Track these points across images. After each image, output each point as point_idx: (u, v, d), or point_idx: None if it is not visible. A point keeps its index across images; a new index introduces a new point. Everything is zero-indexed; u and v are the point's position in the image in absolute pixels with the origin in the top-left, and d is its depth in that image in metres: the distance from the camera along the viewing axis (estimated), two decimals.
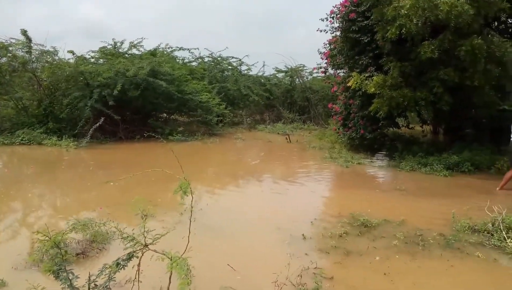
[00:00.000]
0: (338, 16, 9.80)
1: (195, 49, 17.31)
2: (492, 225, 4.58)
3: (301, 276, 3.43)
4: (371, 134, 9.99)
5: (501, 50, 7.13)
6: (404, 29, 7.26)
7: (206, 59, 18.10)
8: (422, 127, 11.94)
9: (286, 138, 12.91)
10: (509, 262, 3.86)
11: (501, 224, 4.50)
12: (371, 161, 9.47)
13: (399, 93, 8.23)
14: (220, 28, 45.51)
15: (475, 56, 7.02)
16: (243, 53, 27.81)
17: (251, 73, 18.67)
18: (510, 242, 4.19)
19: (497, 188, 6.84)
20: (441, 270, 3.68)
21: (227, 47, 20.48)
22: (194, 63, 17.81)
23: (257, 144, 13.01)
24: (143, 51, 14.59)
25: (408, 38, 7.72)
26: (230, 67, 18.18)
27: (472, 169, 8.21)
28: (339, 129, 11.68)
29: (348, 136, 10.74)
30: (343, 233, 4.58)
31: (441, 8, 6.66)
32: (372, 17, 8.13)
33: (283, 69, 19.27)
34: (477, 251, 4.07)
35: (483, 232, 4.54)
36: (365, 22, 8.86)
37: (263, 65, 19.15)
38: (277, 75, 19.58)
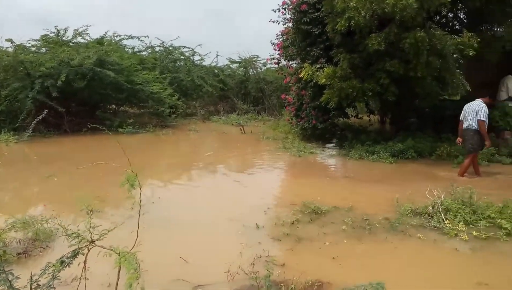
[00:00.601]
0: (290, 7, 9.90)
1: (145, 37, 16.75)
2: (432, 208, 4.87)
3: (253, 265, 3.46)
4: (323, 124, 10.26)
5: (441, 43, 7.51)
6: (353, 21, 7.45)
7: (157, 49, 17.59)
8: (369, 117, 12.42)
9: (241, 129, 12.92)
10: (446, 242, 4.13)
11: (440, 207, 4.80)
12: (323, 150, 9.74)
13: (348, 84, 8.48)
14: (171, 16, 44.43)
15: (418, 49, 7.36)
16: (195, 43, 27.38)
17: (204, 63, 18.42)
18: (448, 223, 4.49)
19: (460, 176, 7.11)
20: (386, 252, 3.88)
21: (178, 36, 20.00)
22: (144, 53, 17.24)
23: (211, 135, 12.93)
24: (89, 39, 13.87)
25: (357, 31, 7.93)
26: (182, 57, 17.79)
27: (415, 156, 8.68)
28: (292, 119, 11.88)
29: (300, 126, 10.96)
30: (295, 220, 4.68)
31: (387, 1, 6.89)
32: (322, 9, 8.27)
33: (237, 60, 19.21)
34: (418, 233, 4.32)
35: (424, 215, 4.82)
36: (316, 14, 9.01)
37: (217, 56, 18.93)
38: (231, 65, 19.47)
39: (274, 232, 4.40)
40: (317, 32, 9.21)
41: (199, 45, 19.62)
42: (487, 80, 11.48)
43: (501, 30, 8.75)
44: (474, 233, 4.24)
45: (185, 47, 17.87)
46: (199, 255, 3.81)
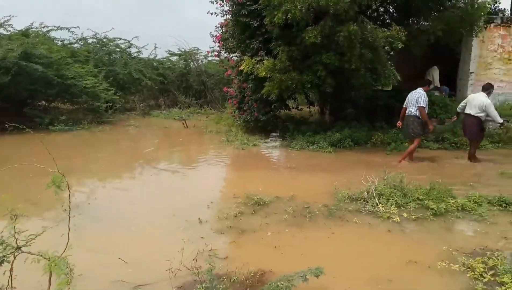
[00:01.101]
0: None
1: (75, 28, 15.73)
2: (367, 193, 5.14)
3: (196, 260, 3.41)
4: (265, 116, 10.36)
5: (373, 36, 7.87)
6: (290, 14, 7.55)
7: (90, 41, 16.59)
8: (309, 108, 12.76)
9: (183, 123, 12.67)
10: (380, 224, 4.38)
11: (374, 191, 5.08)
12: (266, 142, 9.85)
13: (287, 76, 8.63)
14: (105, 6, 42.23)
15: (351, 41, 7.65)
16: (132, 35, 26.25)
17: (142, 56, 17.73)
18: (381, 206, 4.76)
19: (399, 161, 7.54)
20: (324, 238, 4.02)
21: (113, 28, 18.90)
22: (76, 45, 16.21)
23: (151, 130, 12.53)
24: (12, 31, 12.76)
25: (294, 24, 8.06)
26: (118, 49, 16.94)
27: (352, 145, 9.09)
28: (235, 112, 11.86)
29: (243, 119, 10.97)
30: (238, 213, 4.70)
31: None
32: (260, 1, 8.30)
33: (177, 52, 18.72)
34: (355, 217, 4.54)
35: (360, 200, 5.07)
36: (254, 6, 9.00)
37: (155, 48, 18.22)
38: (170, 58, 18.90)
39: (217, 225, 4.38)
40: (256, 25, 9.22)
41: (136, 37, 18.86)
42: (415, 71, 12.34)
43: (426, 23, 9.34)
44: (405, 214, 4.54)
45: (120, 38, 17.07)
46: (139, 254, 3.69)
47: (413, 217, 4.49)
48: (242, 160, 8.31)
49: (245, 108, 10.78)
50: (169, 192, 5.98)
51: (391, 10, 10.70)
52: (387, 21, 10.16)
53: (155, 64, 17.81)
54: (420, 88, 7.53)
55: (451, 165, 7.60)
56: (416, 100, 7.35)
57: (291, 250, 3.75)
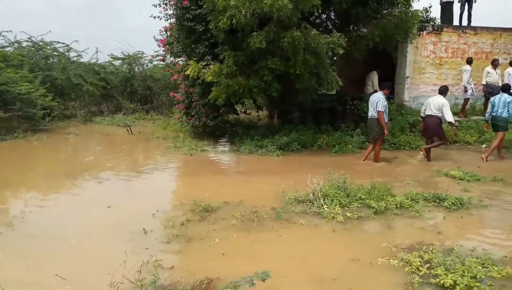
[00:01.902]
0: (172, 3, 9.64)
1: (7, 32, 14.66)
2: (313, 195, 5.26)
3: (140, 272, 3.29)
4: (213, 121, 10.29)
5: (315, 42, 8.11)
6: (235, 19, 7.58)
7: (24, 44, 15.54)
8: (257, 113, 12.87)
9: (127, 130, 12.24)
10: (325, 225, 4.50)
11: (319, 193, 5.22)
12: (214, 148, 9.78)
13: (234, 81, 8.64)
14: (41, 8, 39.86)
15: (295, 47, 7.83)
16: (71, 38, 24.99)
17: (82, 60, 16.88)
18: (326, 207, 4.90)
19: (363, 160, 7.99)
20: (272, 241, 4.06)
21: (50, 31, 17.84)
22: (9, 49, 15.12)
23: (93, 138, 11.95)
24: None
25: (239, 29, 8.11)
26: (55, 53, 16.02)
27: (299, 148, 9.28)
28: (182, 117, 11.67)
29: (191, 124, 10.83)
30: (185, 221, 4.61)
31: (265, 1, 7.19)
32: (204, 6, 8.25)
33: (120, 56, 18.05)
34: (301, 219, 4.63)
35: (306, 202, 5.18)
36: (199, 10, 8.93)
37: (96, 52, 17.41)
38: (113, 62, 18.17)
39: (163, 235, 4.27)
40: (201, 29, 9.15)
41: (75, 41, 17.90)
42: (357, 76, 12.88)
43: (365, 30, 9.78)
44: (348, 214, 4.70)
45: (58, 42, 16.16)
46: (78, 270, 3.50)
47: (356, 216, 4.67)
48: (190, 166, 8.17)
49: (192, 113, 10.64)
50: (112, 202, 5.69)
51: (333, 17, 11.11)
52: (330, 27, 10.53)
53: (96, 68, 17.01)
54: (379, 92, 7.90)
55: (392, 164, 8.00)
56: (375, 104, 7.71)
57: (238, 255, 3.74)
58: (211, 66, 8.66)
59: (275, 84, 8.79)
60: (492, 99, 8.31)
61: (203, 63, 8.99)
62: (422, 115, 8.38)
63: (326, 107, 11.52)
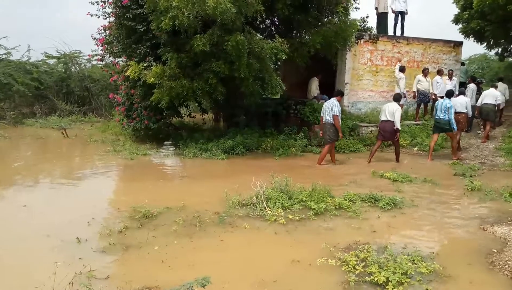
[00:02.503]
0: (111, 1, 9.26)
1: None
2: (256, 198, 5.28)
3: (72, 284, 3.10)
4: (155, 124, 10.02)
5: (259, 47, 8.22)
6: (177, 21, 7.45)
7: None
8: (202, 116, 12.75)
9: (62, 133, 11.53)
10: (268, 227, 4.53)
11: (262, 196, 5.25)
12: (157, 151, 9.51)
13: (178, 83, 8.49)
14: None
15: (239, 51, 7.85)
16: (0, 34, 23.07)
17: (12, 58, 15.65)
18: (269, 210, 4.94)
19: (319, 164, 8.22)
20: (213, 246, 4.01)
21: None
22: None
23: (24, 141, 11.11)
24: None
25: (182, 30, 7.98)
26: None
27: (244, 151, 9.31)
28: (123, 120, 11.24)
29: (132, 127, 10.46)
30: (123, 228, 4.42)
31: (208, 4, 7.13)
32: (145, 6, 8.02)
33: (55, 55, 17.00)
34: (244, 222, 4.63)
35: (249, 205, 5.19)
36: (140, 10, 8.67)
37: (28, 49, 16.24)
38: (47, 61, 17.08)
39: (99, 243, 4.05)
40: (142, 29, 8.88)
41: (4, 37, 16.56)
42: (300, 81, 13.22)
43: (307, 37, 10.07)
44: (290, 216, 4.78)
45: None
46: (3, 285, 3.20)
47: (297, 218, 4.76)
48: (130, 171, 7.86)
49: (134, 116, 10.28)
50: (44, 210, 5.32)
51: (277, 23, 11.33)
52: (274, 33, 10.71)
53: (28, 67, 15.84)
54: (333, 98, 8.26)
55: (333, 167, 8.29)
56: (331, 109, 8.05)
57: (179, 262, 3.65)
58: (153, 68, 8.44)
59: (220, 87, 8.76)
60: (436, 103, 9.08)
61: (145, 64, 8.74)
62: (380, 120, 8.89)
63: (271, 111, 11.70)
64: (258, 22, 10.56)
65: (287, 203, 5.15)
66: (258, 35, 10.01)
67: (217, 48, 8.26)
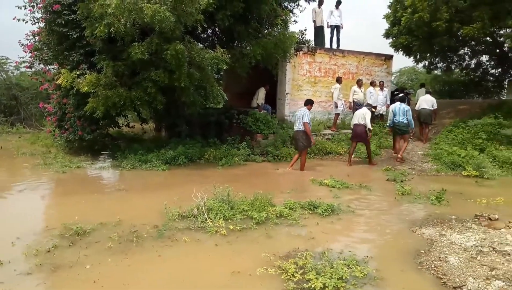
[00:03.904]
0: (40, 5, 8.71)
1: None
2: (197, 210, 5.19)
3: None
4: (90, 135, 9.53)
5: (200, 57, 8.17)
6: (113, 28, 7.20)
7: None
8: (142, 126, 12.36)
9: None
10: (208, 239, 4.44)
11: (203, 207, 5.17)
12: (92, 164, 9.03)
13: (114, 92, 8.17)
14: None
15: (179, 60, 7.73)
16: None
17: None
18: (210, 221, 4.86)
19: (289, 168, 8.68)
20: (150, 262, 3.84)
21: None
22: None
23: None
24: None
25: (119, 38, 7.72)
26: None
27: (186, 162, 9.15)
28: (54, 131, 10.58)
29: (65, 138, 9.88)
30: (52, 247, 4.11)
31: (145, 12, 6.97)
32: (78, 12, 7.64)
33: None
34: (184, 235, 4.50)
35: (190, 217, 5.08)
36: (73, 16, 8.25)
37: None
38: None
39: (23, 265, 3.71)
40: (75, 36, 8.45)
41: None
42: (243, 90, 13.34)
43: (248, 48, 10.20)
44: (231, 227, 4.74)
45: None
46: None
47: (238, 228, 4.73)
48: (62, 185, 7.37)
49: (66, 126, 9.71)
50: None
51: (218, 34, 11.35)
52: (216, 43, 10.72)
53: None
54: (304, 107, 8.75)
55: (274, 175, 8.41)
56: (302, 117, 8.52)
57: (112, 281, 3.45)
58: (87, 76, 8.06)
59: (159, 97, 8.56)
60: (392, 108, 9.92)
61: (78, 72, 8.31)
62: (352, 125, 9.69)
63: (214, 121, 11.64)
64: (199, 32, 10.49)
65: (228, 214, 5.10)
66: (200, 44, 9.97)
67: (156, 57, 8.08)
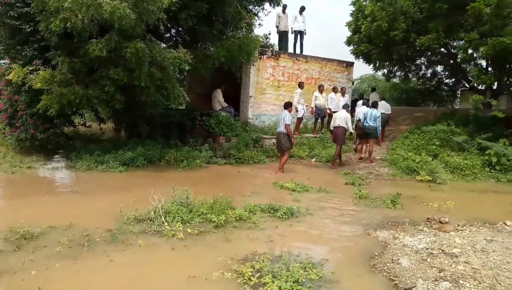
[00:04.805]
0: None
1: None
2: (154, 213, 5.05)
3: None
4: (43, 134, 9.08)
5: (161, 56, 7.99)
6: (69, 23, 6.89)
7: None
8: (100, 125, 11.95)
9: None
10: (164, 243, 4.33)
11: (160, 210, 5.04)
12: (44, 164, 8.61)
13: (70, 90, 7.84)
14: None
15: (139, 59, 7.51)
16: None
17: None
18: (167, 225, 4.75)
19: (276, 172, 8.76)
20: (101, 267, 3.68)
21: None
22: None
23: None
24: None
25: (76, 33, 7.41)
26: None
27: (146, 163, 8.91)
28: (4, 129, 9.99)
29: (16, 137, 9.34)
30: None
31: (104, 8, 6.73)
32: (33, 5, 7.26)
33: None
34: (139, 239, 4.36)
35: (147, 221, 4.94)
36: (26, 9, 7.84)
37: None
38: None
39: None
40: (29, 30, 8.03)
41: None
42: (206, 92, 13.21)
43: (212, 49, 10.11)
44: (189, 230, 4.65)
45: None
46: None
47: (196, 231, 4.65)
48: (11, 187, 6.97)
49: (18, 125, 9.20)
50: None
51: (182, 34, 11.18)
52: (180, 43, 10.55)
53: None
54: (285, 110, 8.95)
55: (236, 177, 8.37)
56: (283, 119, 8.75)
57: (59, 287, 3.28)
58: (40, 72, 7.67)
59: (118, 96, 8.29)
60: (364, 112, 10.31)
61: (31, 68, 7.89)
62: (331, 128, 10.14)
63: (176, 122, 11.43)
64: (162, 31, 10.32)
65: (187, 217, 5.01)
66: (162, 44, 9.77)
67: (115, 55, 7.83)
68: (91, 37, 7.52)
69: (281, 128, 8.86)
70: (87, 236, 4.39)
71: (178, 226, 4.71)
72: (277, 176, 8.51)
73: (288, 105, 9.16)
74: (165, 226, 4.73)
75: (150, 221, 4.93)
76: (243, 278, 3.45)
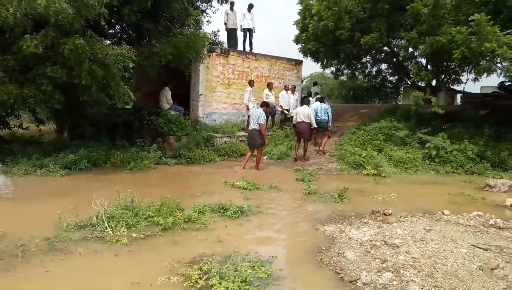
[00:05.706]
0: None
1: None
2: (96, 218, 4.80)
3: None
4: None
5: (103, 53, 7.62)
6: (0, 18, 6.38)
7: None
8: (39, 127, 11.22)
9: None
10: (107, 250, 4.12)
11: (103, 215, 4.79)
12: None
13: (2, 89, 7.27)
14: None
15: (79, 56, 7.12)
16: None
17: None
18: (110, 230, 4.52)
19: (240, 168, 9.09)
20: (36, 279, 3.42)
21: None
22: None
23: None
24: None
25: (7, 29, 6.88)
26: None
27: (90, 166, 8.48)
28: None
29: None
30: None
31: (38, 2, 6.30)
32: None
33: None
34: (79, 247, 4.11)
35: (88, 227, 4.68)
36: None
37: None
38: None
39: None
40: None
41: None
42: (154, 90, 12.83)
43: (158, 46, 9.81)
44: (134, 235, 4.46)
45: None
46: None
47: (142, 236, 4.47)
48: None
49: None
50: None
51: (127, 30, 10.75)
52: (125, 39, 10.13)
53: None
54: (259, 108, 9.36)
55: (187, 178, 8.20)
56: (257, 118, 9.04)
57: None
58: None
59: (57, 95, 7.82)
60: (314, 108, 11.03)
61: None
62: (294, 122, 10.53)
63: (122, 122, 11.00)
64: (105, 27, 9.84)
65: (132, 221, 4.80)
66: (104, 40, 9.33)
67: (52, 51, 7.37)
68: (25, 33, 7.03)
69: (254, 126, 9.10)
70: (21, 246, 4.07)
71: (123, 231, 4.50)
72: (243, 171, 8.86)
73: (264, 105, 9.61)
74: (108, 231, 4.51)
75: (92, 227, 4.67)
76: (189, 282, 3.36)
